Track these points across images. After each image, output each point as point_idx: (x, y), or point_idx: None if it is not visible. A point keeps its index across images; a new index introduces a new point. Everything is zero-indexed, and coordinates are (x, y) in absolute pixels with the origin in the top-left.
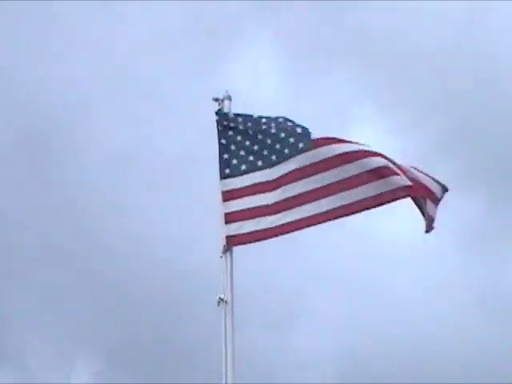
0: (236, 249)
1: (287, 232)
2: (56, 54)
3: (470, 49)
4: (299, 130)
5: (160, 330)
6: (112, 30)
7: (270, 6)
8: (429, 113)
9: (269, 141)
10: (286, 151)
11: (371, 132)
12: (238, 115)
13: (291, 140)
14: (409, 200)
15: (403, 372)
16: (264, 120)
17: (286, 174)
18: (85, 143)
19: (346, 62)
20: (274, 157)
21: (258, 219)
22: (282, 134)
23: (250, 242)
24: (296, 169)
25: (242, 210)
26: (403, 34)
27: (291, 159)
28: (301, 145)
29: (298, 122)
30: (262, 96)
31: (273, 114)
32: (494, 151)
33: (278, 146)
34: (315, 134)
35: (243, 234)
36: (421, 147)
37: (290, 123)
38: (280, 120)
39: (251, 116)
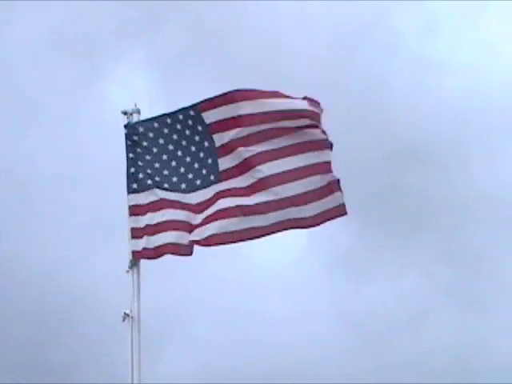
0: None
1: (192, 248)
2: None
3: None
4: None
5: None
6: None
7: (142, 23)
8: None
9: (182, 169)
10: (198, 182)
11: None
12: (148, 120)
13: (203, 172)
14: None
15: None
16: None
17: (198, 203)
18: None
19: (223, 79)
20: (183, 185)
21: (163, 234)
22: (196, 165)
23: (156, 257)
24: (208, 199)
25: (148, 225)
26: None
27: (203, 190)
28: (212, 177)
29: None
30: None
31: None
32: (362, 175)
33: (190, 176)
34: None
35: (148, 249)
36: None
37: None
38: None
39: (163, 117)
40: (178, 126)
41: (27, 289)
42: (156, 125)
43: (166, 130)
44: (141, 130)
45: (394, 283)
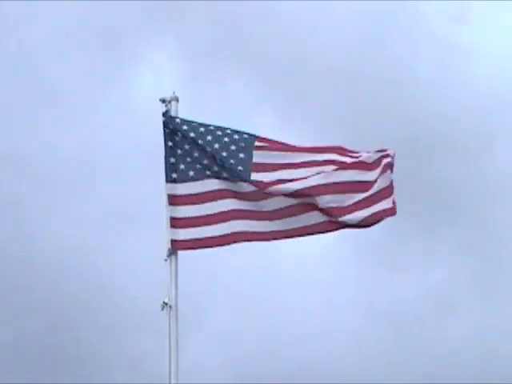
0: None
1: (232, 242)
2: None
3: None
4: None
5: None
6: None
7: (169, 7)
8: (329, 123)
9: (217, 157)
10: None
11: None
12: (184, 121)
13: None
14: None
15: None
16: (212, 128)
17: (233, 190)
18: None
19: (244, 69)
20: (224, 173)
21: (204, 227)
22: (224, 153)
23: (194, 249)
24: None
25: (187, 217)
26: (300, 40)
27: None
28: (240, 168)
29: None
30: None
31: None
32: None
33: (225, 164)
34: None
35: (188, 240)
36: None
37: (236, 136)
38: (227, 132)
39: (198, 123)
40: (226, 139)
41: (63, 277)
42: (202, 129)
43: (208, 136)
44: (178, 121)
45: (422, 273)
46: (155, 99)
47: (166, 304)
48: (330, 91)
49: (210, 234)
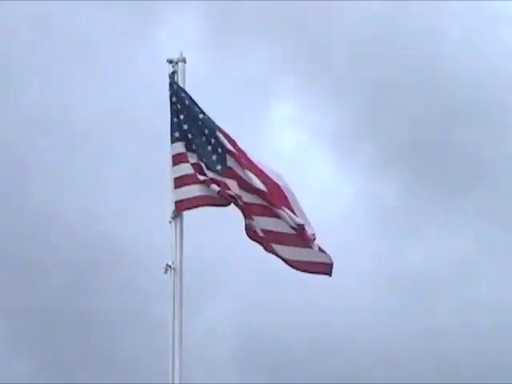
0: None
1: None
2: None
3: (395, 25)
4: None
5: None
6: None
7: None
8: (352, 91)
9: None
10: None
11: (291, 107)
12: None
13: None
14: None
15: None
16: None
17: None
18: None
19: (269, 36)
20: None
21: (204, 184)
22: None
23: (198, 207)
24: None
25: (189, 175)
26: (328, 9)
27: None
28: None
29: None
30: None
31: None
32: (410, 132)
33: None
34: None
35: (192, 198)
36: (339, 126)
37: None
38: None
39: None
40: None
41: (68, 238)
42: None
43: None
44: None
45: (441, 243)
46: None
47: (170, 267)
48: (354, 58)
49: (210, 193)
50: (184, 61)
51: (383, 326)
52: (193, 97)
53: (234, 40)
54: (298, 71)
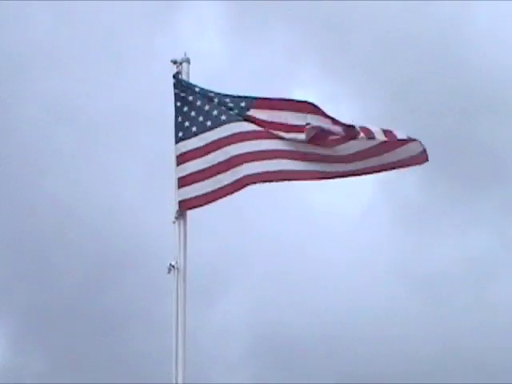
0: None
1: (237, 190)
2: None
3: (417, 16)
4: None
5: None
6: None
7: None
8: (374, 80)
9: (216, 100)
10: (235, 111)
11: (315, 95)
12: (196, 86)
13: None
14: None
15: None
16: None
17: (234, 134)
18: (18, 94)
19: (294, 22)
20: (223, 117)
21: (208, 180)
22: (228, 99)
23: (202, 205)
24: (246, 131)
25: (193, 173)
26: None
27: (240, 122)
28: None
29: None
30: (205, 53)
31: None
32: (432, 126)
33: (225, 107)
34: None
35: (195, 198)
36: (361, 117)
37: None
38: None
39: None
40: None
41: (81, 235)
42: (198, 90)
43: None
44: (187, 83)
45: (462, 240)
46: (197, 49)
47: (174, 267)
48: (376, 48)
49: (216, 186)
50: (188, 61)
51: (402, 325)
52: (212, 86)
53: (255, 28)
54: (320, 60)
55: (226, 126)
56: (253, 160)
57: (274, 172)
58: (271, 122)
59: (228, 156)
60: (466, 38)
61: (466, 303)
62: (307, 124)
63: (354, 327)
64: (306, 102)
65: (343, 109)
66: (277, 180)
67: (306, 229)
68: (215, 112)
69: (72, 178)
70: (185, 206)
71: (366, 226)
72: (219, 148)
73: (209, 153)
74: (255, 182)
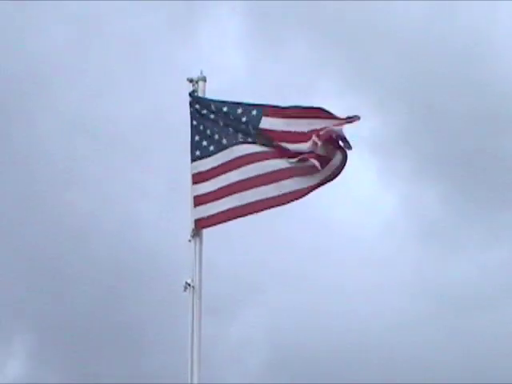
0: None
1: (252, 212)
2: None
3: (439, 31)
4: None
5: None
6: None
7: None
8: (393, 98)
9: (231, 117)
10: (249, 125)
11: (334, 109)
12: (211, 100)
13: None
14: None
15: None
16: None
17: (248, 155)
18: (42, 107)
19: (314, 35)
20: (239, 135)
21: (224, 199)
22: (240, 110)
23: (217, 224)
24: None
25: (209, 192)
26: (374, 13)
27: (249, 144)
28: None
29: (261, 96)
30: (225, 66)
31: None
32: (457, 141)
33: (239, 121)
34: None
35: (211, 216)
36: (381, 133)
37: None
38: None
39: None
40: (231, 118)
41: (94, 254)
42: (213, 107)
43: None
44: (204, 101)
45: (482, 255)
46: (217, 61)
47: (190, 285)
48: (397, 62)
49: (232, 205)
50: (204, 80)
51: (422, 337)
52: (232, 97)
53: (275, 42)
54: (340, 74)
55: (244, 146)
56: (263, 184)
57: (285, 194)
58: (281, 132)
59: (245, 176)
60: (490, 53)
61: (486, 317)
62: (317, 130)
63: (373, 339)
64: (318, 108)
65: (363, 123)
66: (287, 202)
67: (325, 242)
68: (231, 130)
69: (91, 193)
70: (200, 224)
71: (387, 240)
72: (235, 167)
73: (225, 172)
74: (268, 208)
